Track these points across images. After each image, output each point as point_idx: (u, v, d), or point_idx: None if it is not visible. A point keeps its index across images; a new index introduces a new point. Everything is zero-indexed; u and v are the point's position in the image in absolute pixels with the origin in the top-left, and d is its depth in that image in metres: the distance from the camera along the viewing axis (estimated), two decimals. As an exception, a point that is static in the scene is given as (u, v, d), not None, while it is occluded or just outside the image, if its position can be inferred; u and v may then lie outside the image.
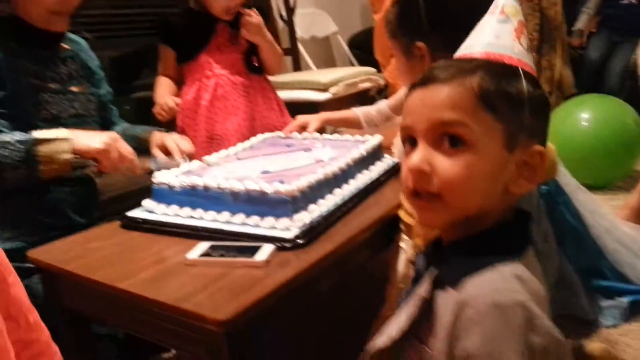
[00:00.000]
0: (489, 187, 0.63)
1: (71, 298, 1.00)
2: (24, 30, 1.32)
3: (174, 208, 1.11)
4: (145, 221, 1.10)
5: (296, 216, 1.00)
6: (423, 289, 0.64)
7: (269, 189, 1.01)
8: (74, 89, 1.41)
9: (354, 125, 1.72)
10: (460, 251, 0.65)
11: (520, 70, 0.65)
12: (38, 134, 1.21)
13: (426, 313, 0.63)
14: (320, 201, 1.08)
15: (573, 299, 1.48)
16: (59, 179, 1.26)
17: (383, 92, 3.31)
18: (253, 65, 1.87)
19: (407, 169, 0.65)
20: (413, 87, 0.68)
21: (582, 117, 2.39)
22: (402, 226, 1.16)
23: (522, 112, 0.62)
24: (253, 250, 0.92)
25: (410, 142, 0.67)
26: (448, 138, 0.62)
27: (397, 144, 1.40)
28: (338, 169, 1.16)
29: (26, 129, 1.23)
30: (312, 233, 0.99)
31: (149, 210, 1.13)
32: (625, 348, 1.43)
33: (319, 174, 1.10)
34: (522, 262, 0.61)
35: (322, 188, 1.10)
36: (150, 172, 1.23)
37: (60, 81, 1.38)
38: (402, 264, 1.16)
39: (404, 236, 1.17)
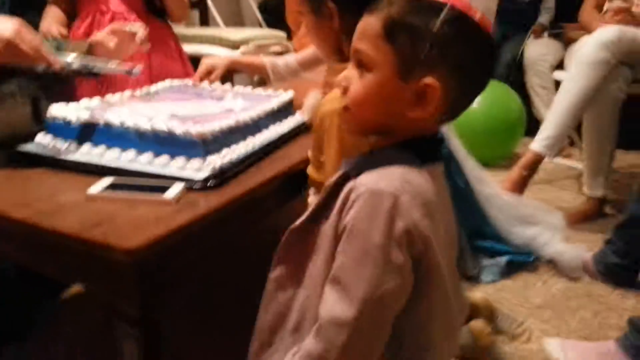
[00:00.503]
0: (385, 108, 0.71)
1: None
2: None
3: (72, 144, 1.04)
4: (38, 155, 1.02)
5: (208, 158, 0.98)
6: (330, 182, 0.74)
7: (179, 129, 0.98)
8: None
9: (260, 72, 1.69)
10: (373, 155, 0.74)
11: (447, 7, 0.67)
12: None
13: (329, 202, 0.73)
14: (232, 146, 1.07)
15: (458, 256, 1.60)
16: None
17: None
18: (154, 6, 1.77)
19: None
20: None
21: (472, 99, 2.56)
22: (309, 183, 1.18)
23: (422, 47, 0.67)
24: (161, 189, 0.89)
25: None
26: (359, 62, 0.72)
27: (308, 103, 1.41)
28: (249, 118, 1.15)
29: None
30: (222, 176, 0.98)
31: (43, 145, 1.05)
32: (502, 301, 1.57)
33: (231, 119, 1.08)
34: (421, 171, 0.70)
35: (234, 135, 1.09)
36: (69, 72, 1.11)
37: None
38: (307, 215, 1.18)
39: (311, 193, 1.19)
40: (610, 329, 1.45)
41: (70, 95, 1.28)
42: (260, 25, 3.27)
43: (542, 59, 3.01)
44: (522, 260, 1.73)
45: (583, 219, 2.09)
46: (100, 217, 0.79)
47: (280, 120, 1.31)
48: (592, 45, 1.92)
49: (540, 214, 1.83)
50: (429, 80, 0.67)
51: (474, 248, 1.68)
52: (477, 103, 2.82)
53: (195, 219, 0.83)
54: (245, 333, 0.79)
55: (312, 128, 1.24)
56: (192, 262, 0.87)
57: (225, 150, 1.03)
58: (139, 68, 1.17)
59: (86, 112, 1.05)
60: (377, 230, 0.65)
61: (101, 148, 1.02)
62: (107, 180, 0.91)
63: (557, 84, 3.03)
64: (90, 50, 1.34)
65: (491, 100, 2.62)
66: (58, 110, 1.06)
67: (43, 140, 1.05)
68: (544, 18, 3.28)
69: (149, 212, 0.82)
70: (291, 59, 1.71)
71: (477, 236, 1.71)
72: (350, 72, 0.73)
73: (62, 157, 1.01)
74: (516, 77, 3.10)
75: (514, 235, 1.73)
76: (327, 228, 0.71)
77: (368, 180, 0.68)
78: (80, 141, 1.04)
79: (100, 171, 0.97)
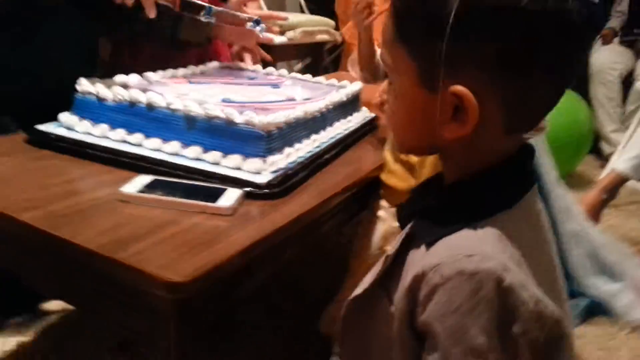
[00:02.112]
0: (418, 126, 0.54)
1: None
2: None
3: (103, 127, 0.84)
4: (60, 138, 0.83)
5: (270, 158, 0.77)
6: (392, 245, 0.57)
7: (239, 118, 0.77)
8: None
9: None
10: (443, 201, 0.56)
11: None
12: None
13: (395, 269, 0.55)
14: (297, 145, 0.86)
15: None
16: None
17: (337, 49, 3.10)
18: None
19: None
20: None
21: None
22: (382, 191, 0.97)
23: (440, 42, 0.48)
24: (214, 194, 0.69)
25: None
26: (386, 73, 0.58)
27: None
28: (317, 110, 0.94)
29: None
30: (288, 182, 0.77)
31: (68, 126, 0.85)
32: (582, 353, 1.34)
33: (298, 111, 0.87)
34: (512, 214, 0.52)
35: (300, 130, 0.88)
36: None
37: None
38: (378, 234, 0.97)
39: (383, 203, 0.98)
40: None
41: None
42: (303, 12, 3.07)
43: (611, 67, 2.77)
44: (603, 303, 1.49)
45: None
46: (132, 230, 0.58)
47: (347, 116, 1.10)
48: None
49: (627, 264, 1.57)
50: (456, 88, 0.48)
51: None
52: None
53: (260, 237, 0.62)
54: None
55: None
56: (243, 296, 0.66)
57: (288, 149, 0.83)
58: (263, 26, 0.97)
59: (123, 90, 0.85)
60: (483, 328, 0.45)
61: (138, 136, 0.82)
62: (146, 179, 0.71)
63: (625, 96, 2.80)
64: None
65: (557, 109, 2.37)
66: (87, 84, 0.86)
67: (68, 120, 0.86)
68: (615, 22, 3.02)
69: (198, 227, 0.62)
70: None
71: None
72: (387, 84, 0.58)
73: (90, 142, 0.82)
74: (579, 87, 2.85)
75: (590, 286, 1.48)
76: (394, 311, 0.52)
77: (448, 255, 0.48)
78: (114, 125, 0.84)
79: (135, 164, 0.77)
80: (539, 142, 1.45)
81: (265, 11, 1.37)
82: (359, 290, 0.58)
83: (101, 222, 0.60)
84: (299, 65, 2.88)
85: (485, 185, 0.53)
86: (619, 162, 1.77)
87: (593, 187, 1.81)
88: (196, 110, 0.79)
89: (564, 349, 0.51)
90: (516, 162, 0.54)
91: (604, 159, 2.63)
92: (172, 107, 0.80)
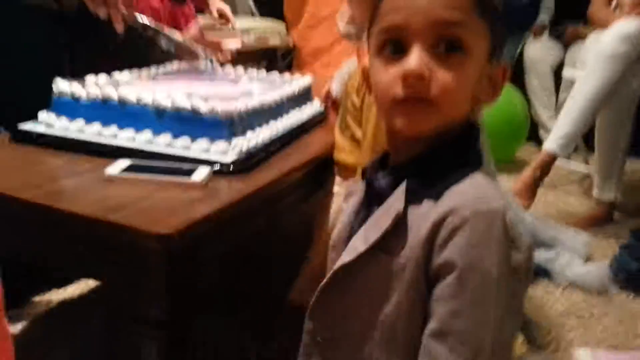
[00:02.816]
0: (470, 98, 0.59)
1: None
2: None
3: (79, 123, 0.93)
4: (42, 135, 0.92)
5: (234, 140, 0.88)
6: (396, 203, 0.58)
7: (204, 107, 0.88)
8: None
9: None
10: (426, 165, 0.60)
11: None
12: None
13: (397, 227, 0.58)
14: (257, 130, 0.97)
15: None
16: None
17: (289, 55, 3.19)
18: None
19: (398, 74, 0.57)
20: None
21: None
22: (336, 168, 1.09)
23: (501, 25, 0.59)
24: (187, 172, 0.79)
25: (393, 45, 0.58)
26: (446, 41, 0.56)
27: (340, 72, 1.29)
28: (272, 101, 1.06)
29: None
30: (250, 161, 0.88)
31: (48, 124, 0.94)
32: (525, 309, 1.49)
33: (256, 100, 0.99)
34: (484, 172, 0.58)
35: (258, 117, 0.99)
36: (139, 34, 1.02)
37: None
38: (335, 207, 1.09)
39: (338, 179, 1.10)
40: (636, 338, 1.39)
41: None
42: (252, 14, 3.15)
43: (543, 60, 2.97)
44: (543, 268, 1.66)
45: (593, 224, 2.03)
46: (122, 199, 0.69)
47: (300, 107, 1.21)
48: (613, 39, 1.86)
49: (562, 235, 1.75)
50: (505, 63, 0.59)
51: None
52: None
53: (229, 202, 0.73)
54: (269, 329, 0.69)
55: (339, 103, 1.15)
56: (221, 255, 0.77)
57: (250, 134, 0.94)
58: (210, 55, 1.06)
59: (96, 88, 0.94)
60: (495, 261, 0.53)
61: (113, 128, 0.91)
62: (125, 162, 0.81)
63: (557, 85, 3.01)
64: None
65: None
66: (63, 85, 0.95)
67: (47, 119, 0.94)
68: (544, 17, 3.24)
69: (177, 196, 0.72)
70: None
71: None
72: (423, 56, 0.56)
73: (69, 137, 0.91)
74: (515, 79, 3.06)
75: None
76: (401, 264, 0.57)
77: (464, 200, 0.54)
78: (89, 120, 0.93)
79: (113, 153, 0.86)
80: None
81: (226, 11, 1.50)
82: (347, 258, 0.60)
83: (93, 196, 0.70)
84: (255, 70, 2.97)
85: (467, 144, 0.60)
86: (548, 142, 1.95)
87: (528, 167, 1.99)
88: (165, 102, 0.89)
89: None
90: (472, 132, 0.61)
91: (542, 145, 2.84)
92: (142, 101, 0.91)
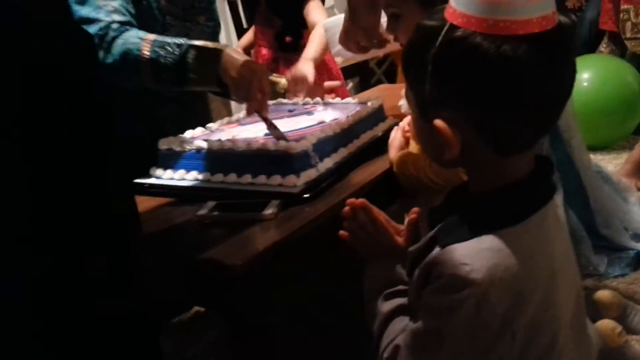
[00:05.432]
0: (429, 149, 0.66)
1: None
2: None
3: (181, 172, 1.12)
4: (152, 186, 1.12)
5: (302, 173, 1.02)
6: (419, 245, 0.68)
7: (273, 147, 1.03)
8: (197, 18, 1.40)
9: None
10: (459, 213, 0.65)
11: (446, 26, 0.57)
12: (196, 41, 1.17)
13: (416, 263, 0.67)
14: (325, 159, 1.10)
15: (579, 252, 1.50)
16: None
17: (385, 61, 3.27)
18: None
19: None
20: None
21: (582, 77, 2.38)
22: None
23: (425, 82, 0.59)
24: (261, 206, 0.94)
25: None
26: None
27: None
28: (340, 128, 1.18)
29: None
30: (317, 188, 1.01)
31: (156, 176, 1.15)
32: (636, 296, 1.44)
33: (322, 132, 1.12)
34: (518, 230, 0.60)
35: (326, 146, 1.12)
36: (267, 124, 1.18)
37: (184, 9, 1.37)
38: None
39: None
40: None
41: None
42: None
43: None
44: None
45: None
46: (207, 239, 0.86)
47: (372, 128, 1.32)
48: None
49: None
50: (437, 122, 0.59)
51: (596, 241, 1.54)
52: (588, 82, 2.64)
53: (294, 228, 0.87)
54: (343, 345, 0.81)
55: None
56: (295, 273, 0.91)
57: (318, 163, 1.07)
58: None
59: (189, 142, 1.13)
60: (456, 324, 0.58)
61: (206, 174, 1.10)
62: (211, 204, 0.98)
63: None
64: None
65: (603, 76, 2.43)
66: (166, 143, 1.16)
67: (156, 172, 1.15)
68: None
69: (251, 230, 0.88)
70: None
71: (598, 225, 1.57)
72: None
73: (172, 184, 1.10)
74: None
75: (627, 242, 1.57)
76: (412, 288, 0.67)
77: (453, 256, 0.59)
78: (188, 169, 1.12)
79: (207, 196, 1.03)
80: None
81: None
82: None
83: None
84: (350, 85, 3.11)
85: (492, 202, 0.62)
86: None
87: (636, 145, 1.88)
88: (243, 147, 1.06)
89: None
90: (528, 181, 0.62)
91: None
92: (224, 147, 1.08)
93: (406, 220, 0.76)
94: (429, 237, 0.66)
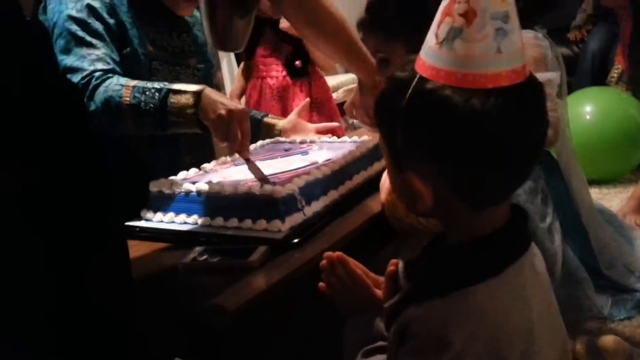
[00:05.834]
0: (404, 199, 0.64)
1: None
2: (151, 3, 1.35)
3: (170, 215, 1.12)
4: (142, 229, 1.12)
5: (288, 218, 1.01)
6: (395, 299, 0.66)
7: (258, 192, 1.02)
8: (188, 62, 1.43)
9: None
10: (438, 263, 0.64)
11: (416, 78, 0.57)
12: (175, 85, 1.19)
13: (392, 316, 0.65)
14: (313, 203, 1.08)
15: (581, 293, 1.46)
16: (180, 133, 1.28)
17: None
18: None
19: None
20: None
21: (585, 110, 2.37)
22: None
23: (396, 133, 0.59)
24: (247, 253, 0.93)
25: None
26: None
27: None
28: (330, 170, 1.17)
29: None
30: (304, 233, 0.99)
31: (147, 219, 1.14)
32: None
33: (310, 175, 1.11)
34: (491, 285, 0.59)
35: (315, 189, 1.11)
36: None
37: (173, 53, 1.40)
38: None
39: None
40: None
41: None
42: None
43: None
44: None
45: None
46: (192, 288, 0.85)
47: (366, 168, 1.31)
48: None
49: None
50: (408, 173, 0.59)
51: (599, 282, 1.50)
52: (590, 115, 2.63)
53: (280, 278, 0.86)
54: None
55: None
56: (281, 322, 0.89)
57: (305, 207, 1.05)
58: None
59: (180, 184, 1.13)
60: None
61: (194, 217, 1.09)
62: (198, 250, 0.97)
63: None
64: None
65: (606, 110, 2.42)
66: (156, 185, 1.16)
67: (146, 215, 1.15)
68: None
69: (236, 277, 0.86)
70: None
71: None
72: None
73: (161, 227, 1.10)
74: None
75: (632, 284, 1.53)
76: (389, 344, 0.66)
77: (429, 315, 0.58)
78: (177, 211, 1.12)
79: (193, 241, 1.02)
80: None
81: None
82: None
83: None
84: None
85: (467, 256, 0.60)
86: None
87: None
88: (230, 191, 1.05)
89: None
90: (503, 233, 0.61)
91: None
92: (212, 191, 1.07)
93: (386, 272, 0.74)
94: (404, 292, 0.64)
